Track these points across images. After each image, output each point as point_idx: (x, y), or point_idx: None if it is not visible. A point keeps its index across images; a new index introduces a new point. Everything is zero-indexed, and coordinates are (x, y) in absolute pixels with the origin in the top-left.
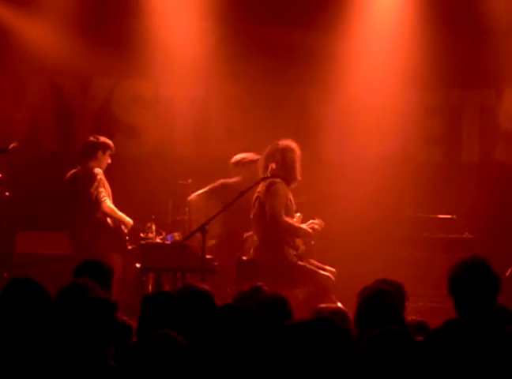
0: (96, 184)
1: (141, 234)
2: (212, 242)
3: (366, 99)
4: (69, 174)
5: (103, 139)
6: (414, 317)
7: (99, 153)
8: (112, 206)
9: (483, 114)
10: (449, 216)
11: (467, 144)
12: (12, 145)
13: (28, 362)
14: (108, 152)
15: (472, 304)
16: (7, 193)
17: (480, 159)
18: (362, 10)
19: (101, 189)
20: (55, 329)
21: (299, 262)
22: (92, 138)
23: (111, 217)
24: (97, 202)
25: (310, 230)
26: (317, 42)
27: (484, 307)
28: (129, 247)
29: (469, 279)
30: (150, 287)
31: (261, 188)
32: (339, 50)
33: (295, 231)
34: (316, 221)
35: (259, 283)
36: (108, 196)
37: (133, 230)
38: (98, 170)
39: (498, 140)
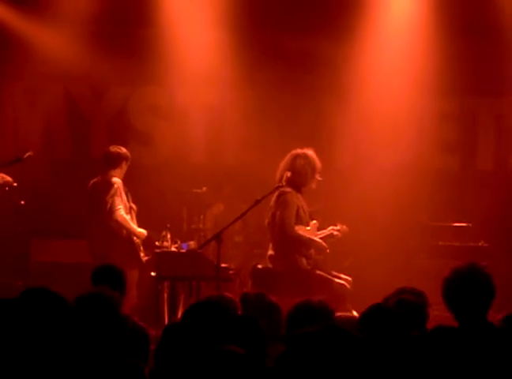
0: (112, 192)
1: (156, 243)
2: None
3: (381, 107)
4: (89, 184)
5: (125, 150)
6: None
7: (124, 163)
8: (125, 216)
9: (497, 121)
10: (464, 224)
11: (482, 152)
12: (27, 154)
13: (43, 369)
14: (128, 163)
15: (466, 311)
16: (22, 202)
17: (495, 167)
18: (377, 18)
19: (116, 198)
20: (73, 336)
21: (317, 271)
22: (115, 149)
23: (123, 227)
24: (111, 210)
25: (324, 244)
26: (332, 50)
27: (478, 314)
28: (145, 258)
29: (462, 287)
30: (165, 296)
31: (274, 197)
32: (354, 58)
33: (305, 242)
34: (337, 227)
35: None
36: (124, 207)
37: (149, 240)
38: (116, 180)
39: None
